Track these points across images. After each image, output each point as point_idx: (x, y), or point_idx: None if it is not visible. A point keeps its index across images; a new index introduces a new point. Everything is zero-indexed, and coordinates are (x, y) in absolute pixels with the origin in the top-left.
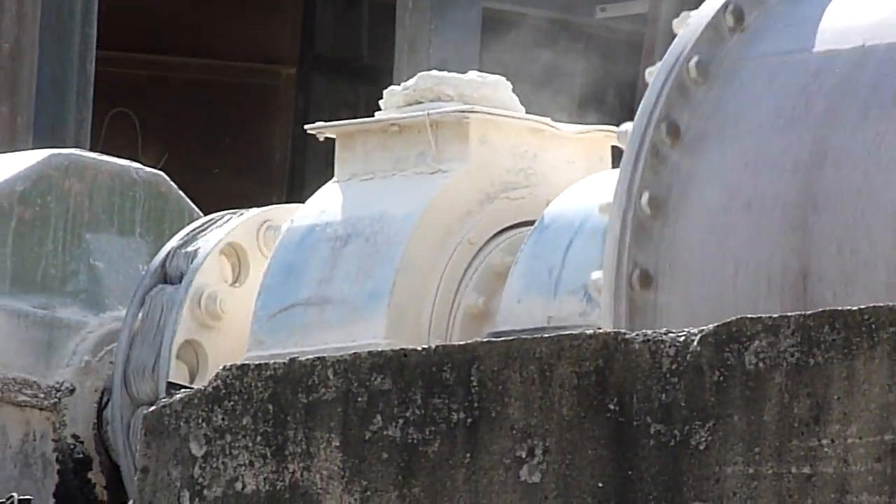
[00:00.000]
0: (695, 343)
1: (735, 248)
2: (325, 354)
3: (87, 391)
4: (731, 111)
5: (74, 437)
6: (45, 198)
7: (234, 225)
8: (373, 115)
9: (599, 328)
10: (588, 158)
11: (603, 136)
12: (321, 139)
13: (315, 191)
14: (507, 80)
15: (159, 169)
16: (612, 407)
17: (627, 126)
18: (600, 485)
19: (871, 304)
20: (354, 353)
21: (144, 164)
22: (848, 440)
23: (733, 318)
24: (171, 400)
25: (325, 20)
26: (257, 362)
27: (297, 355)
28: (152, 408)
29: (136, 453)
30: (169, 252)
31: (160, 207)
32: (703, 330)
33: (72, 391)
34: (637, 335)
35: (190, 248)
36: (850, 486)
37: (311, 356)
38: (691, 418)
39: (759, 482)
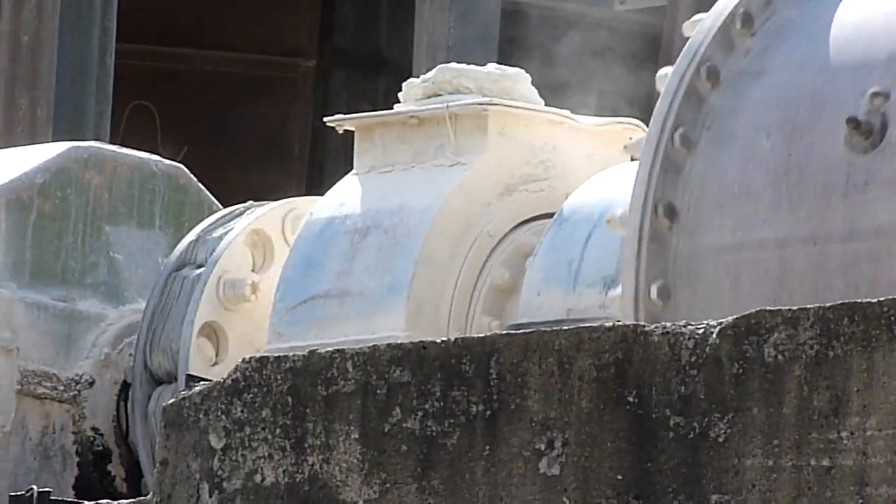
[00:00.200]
0: (714, 335)
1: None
2: (344, 347)
3: (106, 383)
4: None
5: (94, 429)
6: (64, 190)
7: (261, 213)
8: (392, 108)
9: (619, 321)
10: (607, 151)
11: (622, 129)
12: (340, 132)
13: (334, 183)
14: (526, 72)
15: (179, 161)
16: (631, 399)
17: (667, 70)
18: (619, 477)
19: (891, 297)
20: (373, 346)
21: (164, 157)
22: (867, 432)
23: (752, 310)
24: (190, 392)
25: (345, 13)
26: (276, 355)
27: (316, 348)
28: (171, 400)
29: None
30: (194, 238)
31: (179, 200)
32: (722, 322)
33: (91, 384)
34: (656, 327)
35: (215, 234)
36: (870, 478)
37: (330, 349)
38: (710, 411)
39: (779, 474)
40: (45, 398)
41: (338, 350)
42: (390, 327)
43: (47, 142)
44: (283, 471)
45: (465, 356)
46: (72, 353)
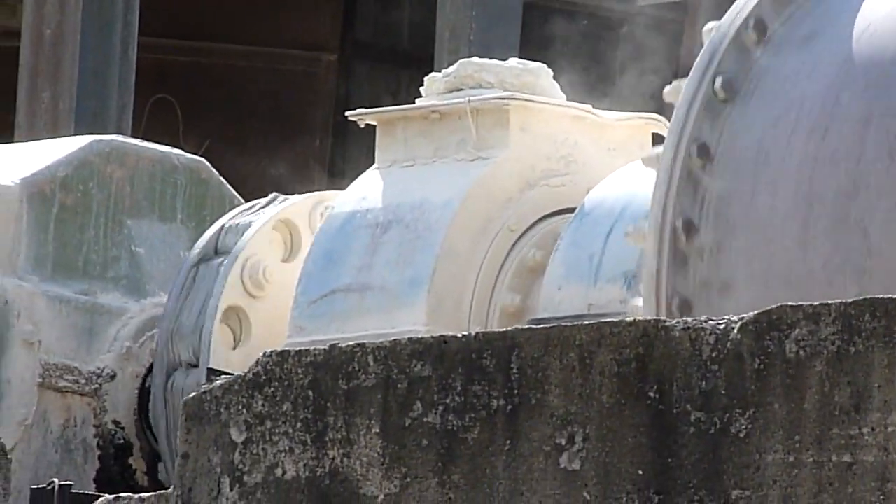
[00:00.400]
0: (735, 331)
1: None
2: (365, 341)
3: (127, 377)
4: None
5: (115, 422)
6: (86, 184)
7: (289, 203)
8: (413, 102)
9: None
10: (629, 146)
11: (644, 123)
12: (362, 126)
13: (356, 178)
14: (548, 67)
15: (200, 155)
16: (652, 394)
17: (680, 83)
18: (640, 472)
19: None
20: (394, 340)
21: (185, 151)
22: (888, 428)
23: (773, 306)
24: (211, 386)
25: (367, 7)
26: (298, 349)
27: (337, 342)
28: (192, 394)
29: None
30: (220, 227)
31: (201, 193)
32: (743, 318)
33: (113, 377)
34: (677, 322)
35: (242, 223)
36: (891, 474)
37: (351, 343)
38: (731, 406)
39: (800, 470)
40: (67, 391)
41: (359, 344)
42: (411, 321)
43: (69, 135)
44: (304, 465)
45: (486, 351)
46: (93, 347)
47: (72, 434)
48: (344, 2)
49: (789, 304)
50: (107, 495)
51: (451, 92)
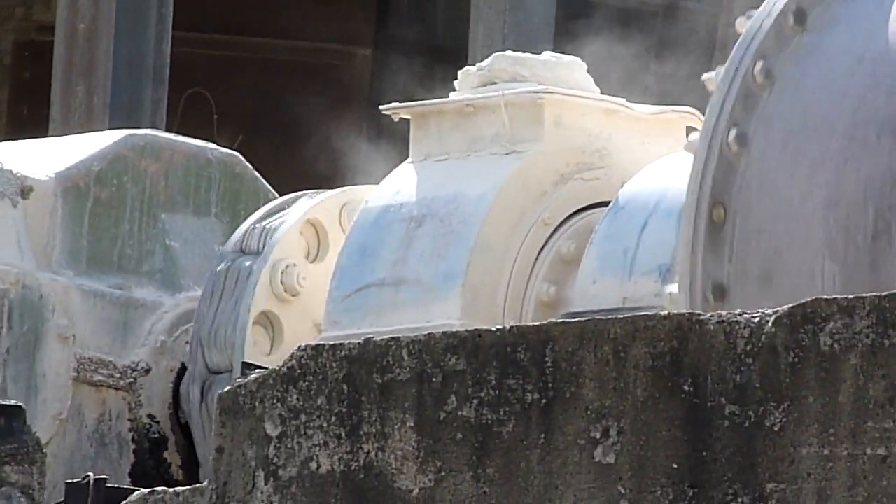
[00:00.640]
0: (769, 324)
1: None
2: (399, 335)
3: (162, 371)
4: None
5: (150, 416)
6: (121, 178)
7: (316, 202)
8: (448, 96)
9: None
10: (663, 139)
11: (678, 117)
12: (396, 120)
13: (389, 172)
14: (582, 60)
15: (234, 149)
16: (686, 388)
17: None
18: (675, 466)
19: None
20: (429, 334)
21: (220, 145)
22: None
23: (808, 299)
24: (246, 380)
25: (401, 1)
26: (332, 343)
27: (371, 336)
28: (227, 388)
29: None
30: (249, 227)
31: (235, 188)
32: (777, 311)
33: (147, 371)
34: (712, 316)
35: (270, 224)
36: None
37: (385, 336)
38: (766, 399)
39: (834, 463)
40: (102, 385)
41: (393, 338)
42: (445, 315)
43: (104, 129)
44: (339, 458)
45: (521, 344)
46: (128, 341)
47: (107, 428)
48: None
49: (824, 297)
50: (142, 489)
51: (484, 86)
